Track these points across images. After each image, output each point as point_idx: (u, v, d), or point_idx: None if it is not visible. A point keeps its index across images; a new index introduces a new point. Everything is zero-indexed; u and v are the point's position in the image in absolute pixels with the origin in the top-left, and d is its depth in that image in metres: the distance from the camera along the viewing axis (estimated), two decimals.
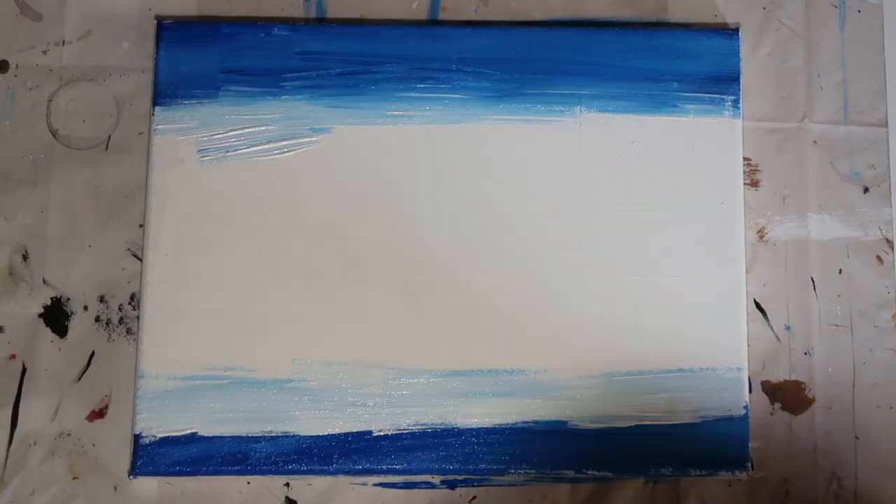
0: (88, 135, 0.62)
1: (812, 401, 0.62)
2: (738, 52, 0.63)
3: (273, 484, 0.60)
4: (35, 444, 0.60)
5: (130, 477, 0.58)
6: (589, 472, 0.59)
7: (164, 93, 0.61)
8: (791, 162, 0.64)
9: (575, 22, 0.64)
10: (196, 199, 0.61)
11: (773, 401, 0.62)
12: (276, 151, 0.61)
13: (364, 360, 0.59)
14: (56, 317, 0.61)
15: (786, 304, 0.62)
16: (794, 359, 0.62)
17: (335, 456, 0.59)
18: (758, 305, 0.62)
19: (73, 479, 0.59)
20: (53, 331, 0.61)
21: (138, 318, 0.59)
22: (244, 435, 0.59)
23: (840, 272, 0.63)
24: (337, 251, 0.60)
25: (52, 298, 0.61)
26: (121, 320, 0.61)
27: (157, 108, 0.61)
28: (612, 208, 0.61)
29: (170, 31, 0.62)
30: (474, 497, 0.60)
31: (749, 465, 0.59)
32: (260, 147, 0.61)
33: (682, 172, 0.62)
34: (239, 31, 0.62)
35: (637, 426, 0.60)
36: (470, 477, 0.60)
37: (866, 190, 0.64)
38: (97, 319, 0.61)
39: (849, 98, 0.64)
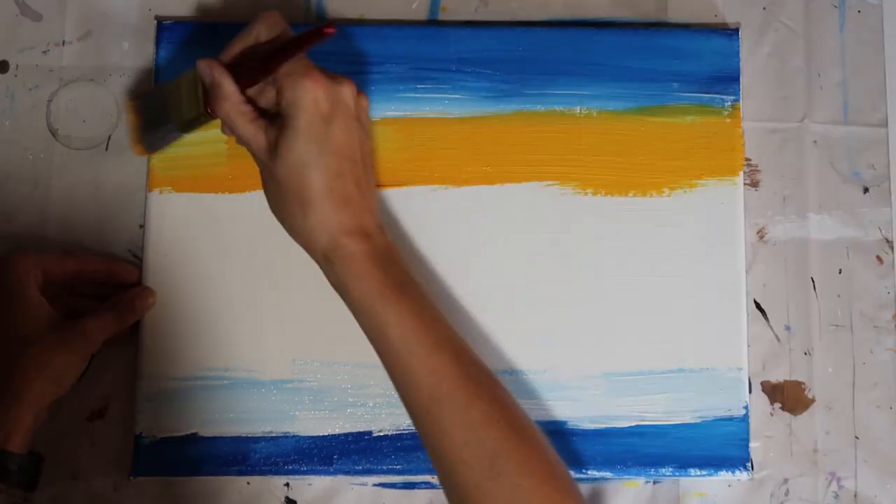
0: (88, 135, 0.62)
1: (812, 401, 0.62)
2: (738, 52, 0.63)
3: (273, 484, 0.60)
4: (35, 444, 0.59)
5: (130, 477, 0.58)
6: (589, 472, 0.59)
7: None
8: (791, 162, 0.64)
9: (575, 22, 0.64)
10: (196, 199, 0.61)
11: (773, 401, 0.62)
12: None
13: (364, 361, 0.59)
14: None
15: (786, 305, 0.62)
16: (794, 359, 0.62)
17: (335, 456, 0.59)
18: (758, 305, 0.62)
19: (73, 479, 0.59)
20: None
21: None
22: (244, 435, 0.59)
23: (840, 272, 0.63)
24: None
25: None
26: None
27: None
28: (612, 209, 0.61)
29: (169, 31, 0.62)
30: None
31: (749, 465, 0.59)
32: None
33: (682, 173, 0.62)
34: (238, 31, 0.62)
35: (637, 426, 0.60)
36: None
37: (866, 190, 0.64)
38: None
39: (849, 98, 0.64)
